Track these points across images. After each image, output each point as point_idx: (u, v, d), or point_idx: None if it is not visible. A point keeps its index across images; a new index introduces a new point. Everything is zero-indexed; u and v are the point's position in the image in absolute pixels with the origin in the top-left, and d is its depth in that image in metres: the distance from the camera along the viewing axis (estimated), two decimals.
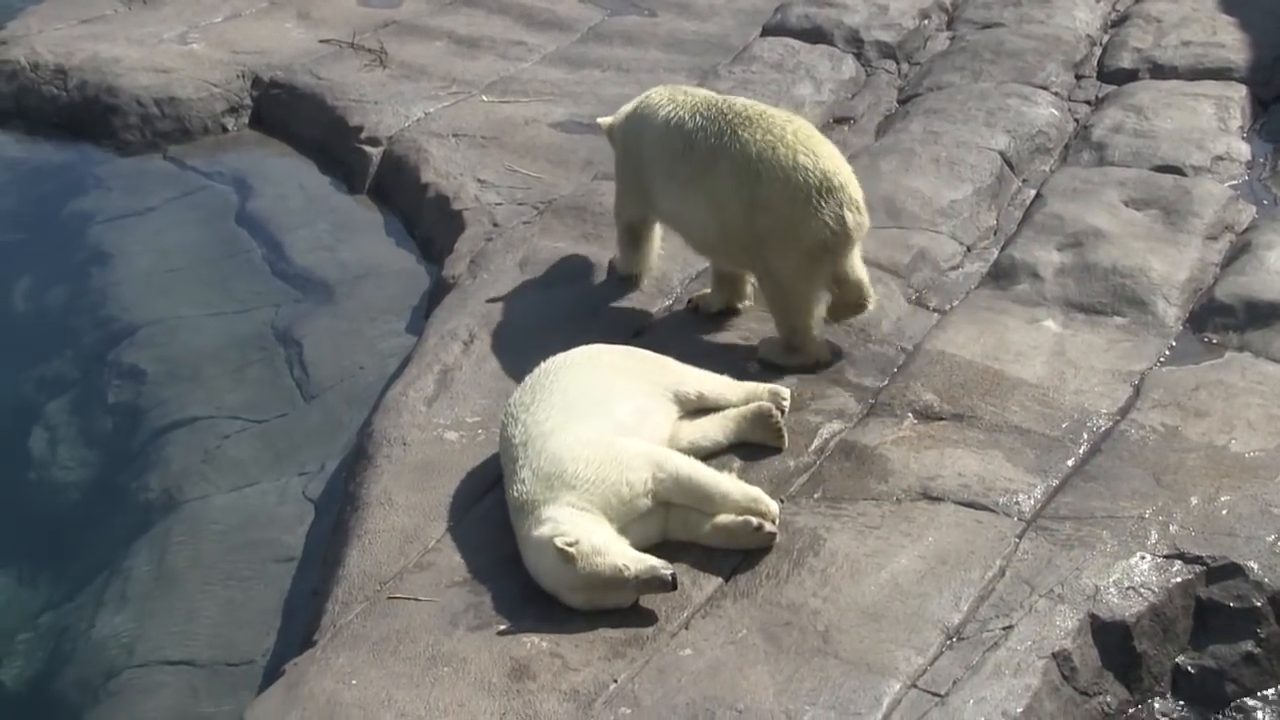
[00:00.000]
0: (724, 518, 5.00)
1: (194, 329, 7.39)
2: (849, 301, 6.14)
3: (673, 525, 5.07)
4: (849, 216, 5.85)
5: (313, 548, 5.79)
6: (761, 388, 5.72)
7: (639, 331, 6.47)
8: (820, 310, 6.06)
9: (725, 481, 5.07)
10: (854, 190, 5.91)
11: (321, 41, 9.97)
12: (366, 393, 6.57)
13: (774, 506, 5.05)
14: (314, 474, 6.27)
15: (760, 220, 5.90)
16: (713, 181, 6.02)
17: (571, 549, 4.70)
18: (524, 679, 4.52)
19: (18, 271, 8.30)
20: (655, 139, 6.31)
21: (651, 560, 4.73)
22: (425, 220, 8.01)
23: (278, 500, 6.17)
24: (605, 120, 6.88)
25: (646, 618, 4.76)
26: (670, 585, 4.68)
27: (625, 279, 6.82)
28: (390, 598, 4.95)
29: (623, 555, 4.74)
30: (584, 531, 4.76)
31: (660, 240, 6.79)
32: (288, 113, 9.34)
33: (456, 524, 5.32)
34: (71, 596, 6.01)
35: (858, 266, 6.09)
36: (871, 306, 6.20)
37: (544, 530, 4.82)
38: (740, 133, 5.96)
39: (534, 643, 4.66)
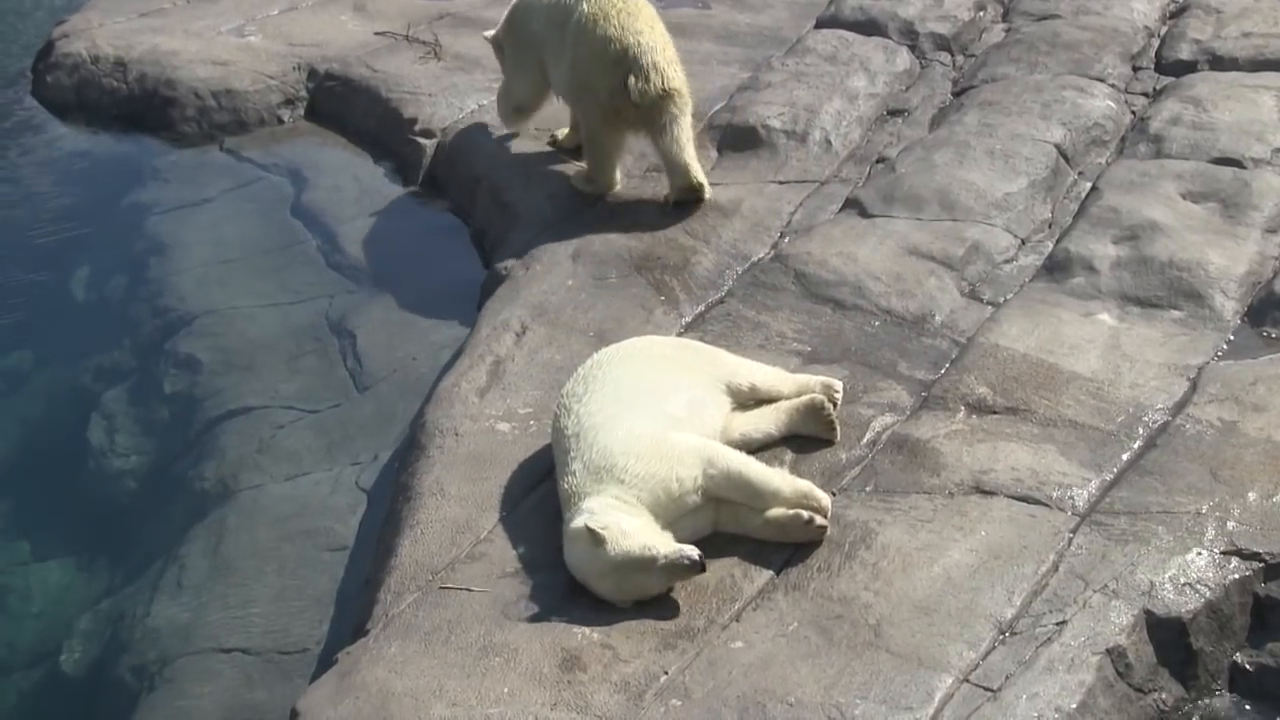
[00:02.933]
0: (775, 511, 5.00)
1: (249, 319, 7.45)
2: (679, 185, 7.33)
3: (724, 518, 5.06)
4: (633, 81, 7.07)
5: (365, 537, 5.82)
6: (814, 380, 5.71)
7: (690, 323, 6.47)
8: (616, 157, 7.53)
9: (776, 477, 5.06)
10: (648, 63, 7.11)
11: (376, 34, 10.01)
12: (419, 384, 6.60)
13: (825, 500, 5.04)
14: (367, 464, 6.31)
15: (576, 73, 7.35)
16: (561, 45, 7.43)
17: (603, 531, 4.72)
18: (575, 670, 4.53)
19: (77, 262, 8.40)
20: (543, 20, 7.59)
21: (679, 545, 4.74)
22: (478, 212, 8.04)
23: (331, 490, 6.21)
24: (489, 33, 8.16)
25: (697, 610, 4.76)
26: (698, 566, 4.68)
27: (511, 133, 8.32)
28: (442, 588, 4.98)
29: (651, 538, 4.75)
30: (615, 518, 4.78)
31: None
32: (343, 105, 9.39)
33: (508, 515, 5.34)
34: (128, 583, 6.09)
35: (679, 149, 7.25)
36: (707, 195, 7.36)
37: (579, 520, 4.84)
38: (583, 5, 7.29)
39: (585, 634, 4.68)
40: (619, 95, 7.13)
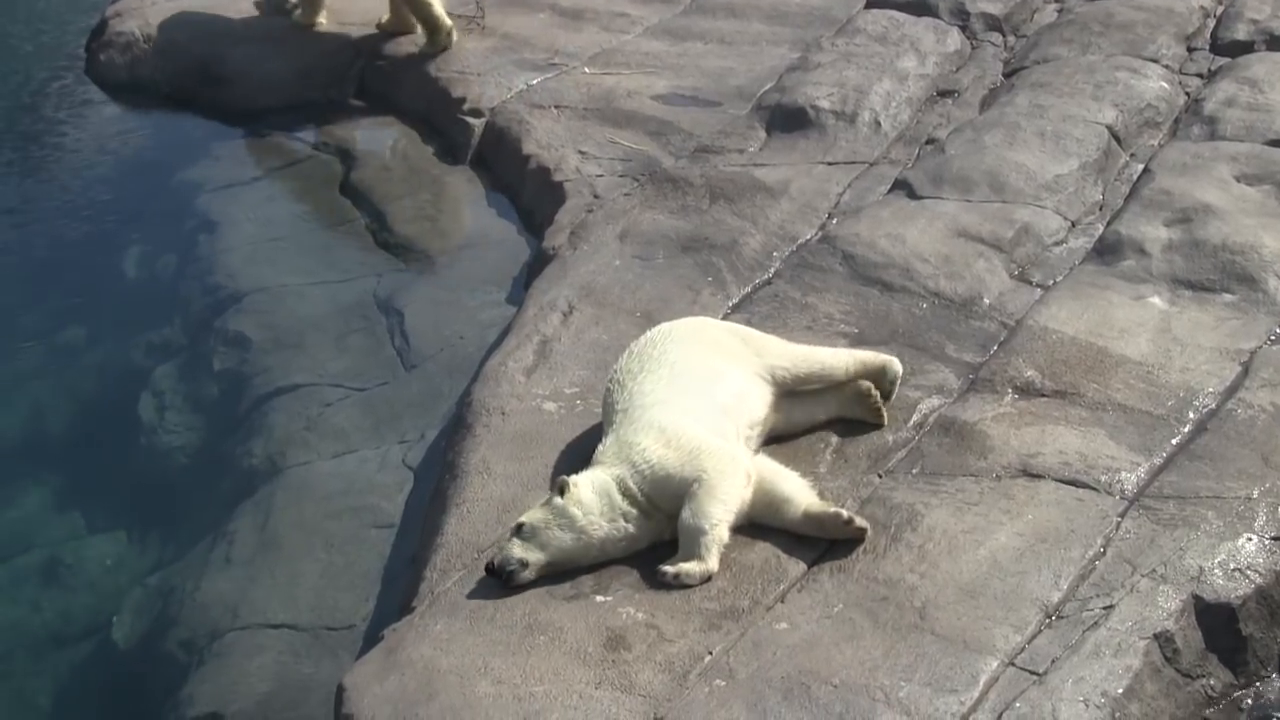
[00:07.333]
0: (814, 507, 4.95)
1: (298, 297, 7.49)
2: (440, 44, 9.30)
3: (758, 510, 5.01)
4: None
5: (411, 515, 5.85)
6: (873, 357, 5.59)
7: (737, 305, 6.46)
8: (439, 6, 9.30)
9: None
10: None
11: None
12: (466, 362, 6.62)
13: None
14: (414, 442, 6.33)
15: None
16: None
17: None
18: (619, 649, 4.54)
19: (129, 240, 8.48)
20: None
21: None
22: (526, 191, 8.05)
23: (378, 467, 6.24)
24: None
25: (742, 591, 4.75)
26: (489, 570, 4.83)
27: (305, 28, 9.71)
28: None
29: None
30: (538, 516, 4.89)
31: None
32: (392, 84, 9.42)
33: None
34: (178, 558, 6.15)
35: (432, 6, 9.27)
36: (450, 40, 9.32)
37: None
38: None
39: (630, 613, 4.68)
40: None
